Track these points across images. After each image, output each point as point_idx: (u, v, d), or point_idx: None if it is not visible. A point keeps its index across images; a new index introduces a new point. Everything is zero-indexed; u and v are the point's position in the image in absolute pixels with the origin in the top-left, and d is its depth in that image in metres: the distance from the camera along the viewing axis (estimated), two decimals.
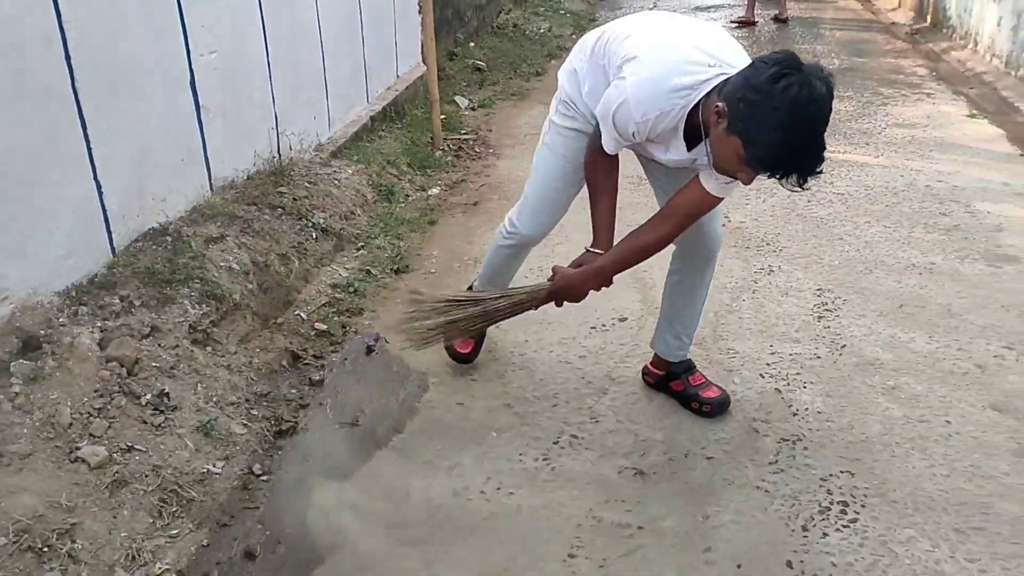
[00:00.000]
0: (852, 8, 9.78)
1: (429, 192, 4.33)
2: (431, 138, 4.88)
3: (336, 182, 3.92)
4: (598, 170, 2.21)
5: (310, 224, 3.51)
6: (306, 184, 3.72)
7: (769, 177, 1.83)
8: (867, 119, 5.53)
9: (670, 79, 1.93)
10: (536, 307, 2.36)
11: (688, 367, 2.59)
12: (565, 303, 2.32)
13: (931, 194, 4.21)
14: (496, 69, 6.67)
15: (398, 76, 5.36)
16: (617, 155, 2.19)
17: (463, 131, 5.26)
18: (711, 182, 2.07)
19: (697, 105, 1.94)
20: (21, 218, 2.32)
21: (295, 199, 3.55)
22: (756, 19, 8.52)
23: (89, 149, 2.56)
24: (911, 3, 8.83)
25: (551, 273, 2.31)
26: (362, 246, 3.64)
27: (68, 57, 2.45)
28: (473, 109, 5.77)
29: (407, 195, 4.23)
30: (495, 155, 4.95)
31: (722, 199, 2.15)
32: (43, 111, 2.38)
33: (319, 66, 4.19)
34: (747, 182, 1.90)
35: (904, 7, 9.07)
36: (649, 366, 2.68)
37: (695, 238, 2.37)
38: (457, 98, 5.83)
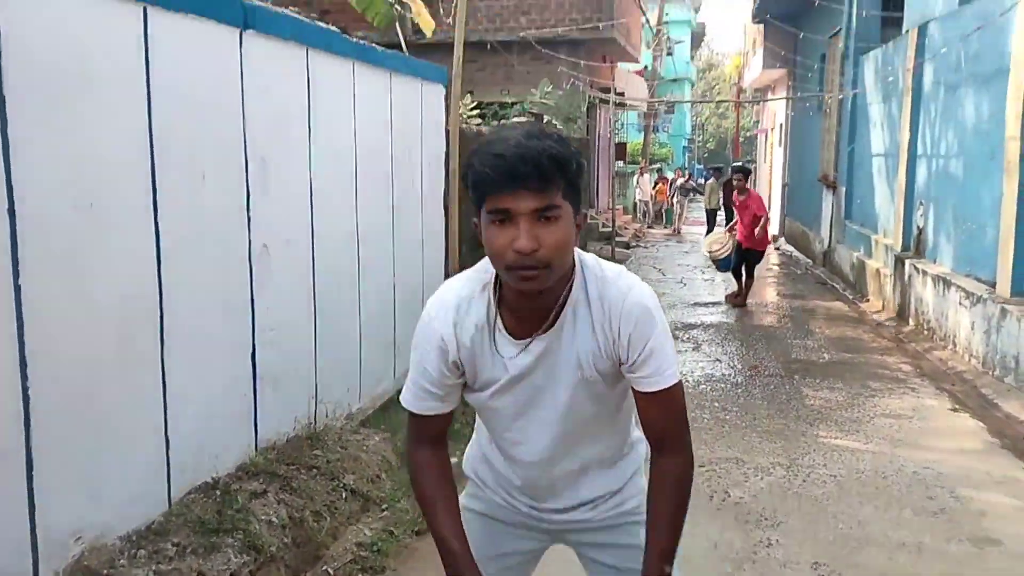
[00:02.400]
0: (839, 308, 10.58)
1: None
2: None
3: (364, 448, 4.26)
4: (425, 468, 1.74)
5: (341, 485, 3.80)
6: (338, 449, 4.05)
7: (480, 196, 1.50)
8: (856, 409, 5.93)
9: (463, 281, 1.71)
10: None
11: None
12: None
13: (918, 479, 4.50)
14: None
15: None
16: (444, 441, 1.78)
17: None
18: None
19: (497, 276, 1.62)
20: (105, 466, 2.65)
21: (328, 461, 3.88)
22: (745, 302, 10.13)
23: (165, 409, 2.95)
24: (894, 306, 9.59)
25: None
26: (386, 508, 3.90)
27: (162, 331, 2.92)
28: None
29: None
30: None
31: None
32: (133, 376, 2.81)
33: (356, 345, 4.69)
34: (524, 245, 1.46)
35: (887, 309, 9.84)
36: None
37: None
38: None
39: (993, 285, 6.92)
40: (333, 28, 4.20)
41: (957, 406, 6.04)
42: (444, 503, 1.70)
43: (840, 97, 12.93)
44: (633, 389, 1.66)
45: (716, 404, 5.96)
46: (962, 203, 7.90)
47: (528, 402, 1.69)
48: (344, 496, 3.78)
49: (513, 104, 13.46)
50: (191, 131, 3.04)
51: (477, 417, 1.88)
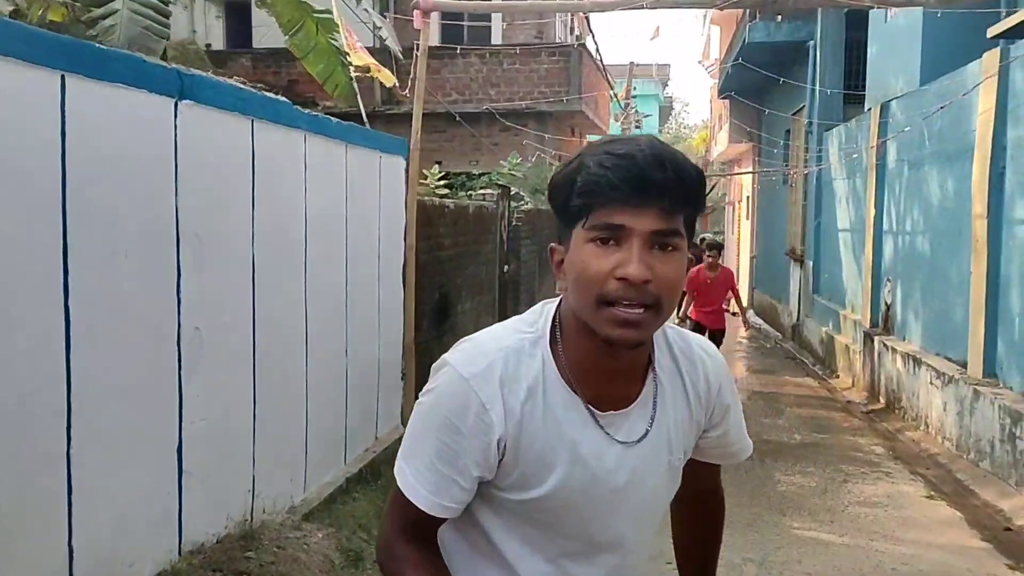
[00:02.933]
0: (809, 385, 10.42)
1: None
2: None
3: (305, 547, 3.92)
4: (420, 566, 1.24)
5: None
6: (274, 549, 3.72)
7: (582, 208, 1.15)
8: (830, 496, 5.69)
9: (502, 331, 1.29)
10: None
11: None
12: None
13: None
14: None
15: (376, 438, 5.57)
16: (436, 542, 1.30)
17: None
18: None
19: (555, 330, 1.25)
20: None
21: (261, 564, 3.54)
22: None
23: (70, 515, 2.64)
24: (864, 383, 9.45)
25: None
26: None
27: (69, 426, 2.62)
28: None
29: (375, 561, 4.20)
30: None
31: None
32: (31, 479, 2.50)
33: (302, 431, 4.39)
34: (636, 273, 1.12)
35: (858, 387, 9.69)
36: None
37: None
38: None
39: (964, 365, 6.79)
40: (281, 98, 4.02)
41: (933, 493, 5.83)
42: None
43: (805, 172, 13.02)
44: (696, 461, 1.38)
45: None
46: (930, 281, 7.84)
47: (602, 500, 1.24)
48: None
49: (481, 175, 13.40)
50: (113, 205, 2.80)
51: (455, 539, 1.32)
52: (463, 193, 11.34)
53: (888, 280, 9.11)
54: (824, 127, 12.18)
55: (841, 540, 4.82)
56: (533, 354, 1.22)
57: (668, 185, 1.12)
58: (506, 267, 10.55)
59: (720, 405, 1.34)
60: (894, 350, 8.32)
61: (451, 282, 7.72)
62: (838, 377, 10.52)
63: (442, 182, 10.70)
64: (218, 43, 15.61)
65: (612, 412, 1.23)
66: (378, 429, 5.61)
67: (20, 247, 2.42)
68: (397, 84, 6.06)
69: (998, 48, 6.33)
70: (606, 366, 1.22)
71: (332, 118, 4.66)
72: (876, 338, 8.97)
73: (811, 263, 12.73)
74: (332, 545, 4.10)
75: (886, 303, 9.13)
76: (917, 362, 7.64)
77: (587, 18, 17.36)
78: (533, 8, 10.40)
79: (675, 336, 1.32)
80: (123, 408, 2.89)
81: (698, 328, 8.85)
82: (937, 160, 7.71)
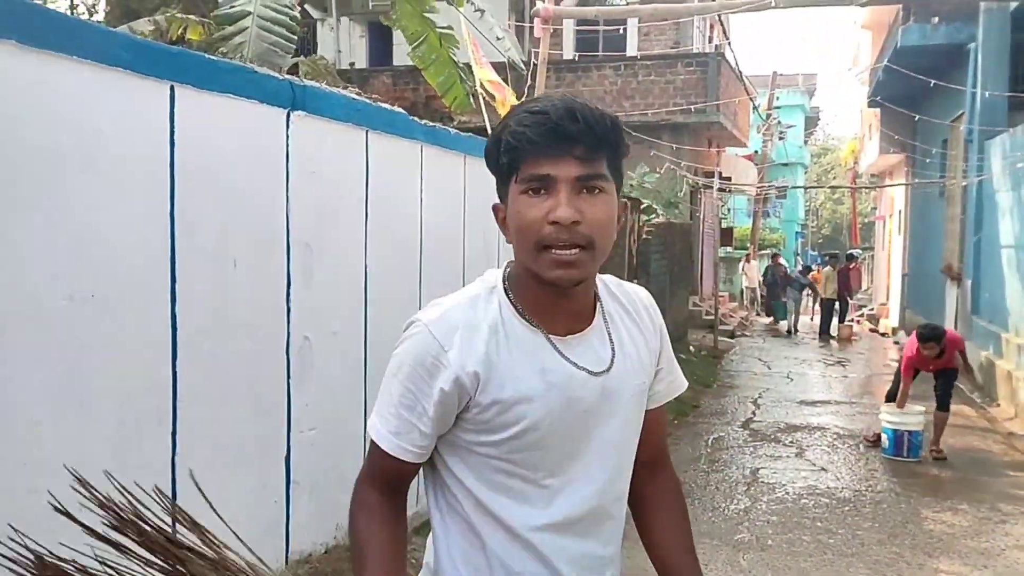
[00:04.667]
0: (965, 413, 9.62)
1: None
2: None
3: (413, 560, 3.87)
4: (376, 508, 1.30)
5: None
6: None
7: (508, 165, 1.24)
8: (985, 537, 5.16)
9: (458, 292, 1.35)
10: None
11: None
12: None
13: None
14: None
15: None
16: (405, 497, 1.35)
17: None
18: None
19: (506, 282, 1.32)
20: None
21: None
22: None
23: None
24: None
25: None
26: None
27: (175, 432, 2.66)
28: None
29: None
30: None
31: None
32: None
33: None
34: (565, 214, 1.20)
35: (1021, 417, 8.86)
36: None
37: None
38: None
39: None
40: (398, 109, 4.02)
41: None
42: (387, 547, 1.26)
43: (964, 184, 12.12)
44: (646, 415, 1.41)
45: (819, 524, 5.30)
46: None
47: (576, 430, 1.30)
48: None
49: None
50: (223, 215, 2.83)
51: (440, 510, 1.33)
52: None
53: None
54: (986, 135, 11.29)
55: None
56: (490, 299, 1.30)
57: (582, 134, 1.21)
58: (635, 281, 10.33)
59: (661, 331, 1.43)
60: None
61: None
62: (999, 406, 9.66)
63: None
64: (361, 61, 16.16)
65: (572, 336, 1.30)
66: None
67: (128, 254, 2.47)
68: (515, 100, 6.00)
69: None
70: (557, 308, 1.29)
71: (451, 129, 4.63)
72: None
73: (970, 282, 11.80)
74: None
75: None
76: None
77: (723, 25, 16.88)
78: (656, 14, 10.15)
79: (607, 278, 1.40)
80: (230, 416, 2.92)
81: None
82: None
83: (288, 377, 3.23)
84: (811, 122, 44.75)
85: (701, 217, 17.68)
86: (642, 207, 11.42)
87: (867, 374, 12.26)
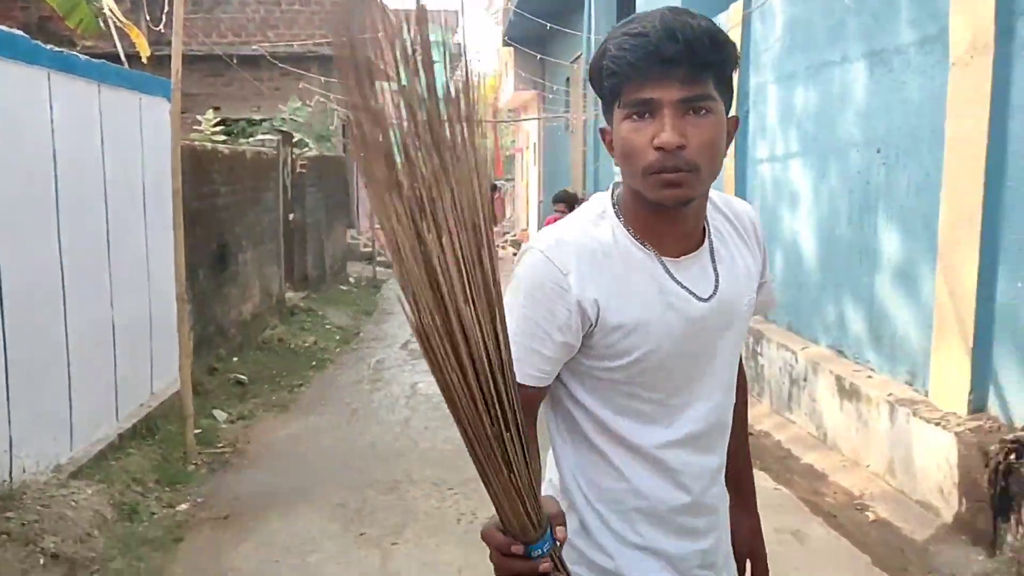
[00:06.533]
0: None
1: (177, 508, 4.24)
2: (184, 453, 4.85)
3: (73, 504, 3.78)
4: None
5: (39, 550, 3.33)
6: (38, 508, 3.56)
7: (609, 88, 1.23)
8: None
9: (568, 218, 1.37)
10: None
11: None
12: None
13: None
14: (259, 382, 6.83)
15: (152, 393, 5.38)
16: (533, 423, 1.28)
17: (220, 444, 5.27)
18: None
19: (615, 206, 1.33)
20: None
21: (23, 524, 3.39)
22: None
23: None
24: None
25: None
26: (96, 569, 3.47)
27: None
28: (232, 422, 5.82)
29: (152, 513, 4.12)
30: (252, 467, 4.97)
31: None
32: None
33: (65, 387, 4.18)
34: (669, 140, 1.18)
35: None
36: None
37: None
38: (215, 412, 5.87)
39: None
40: (16, 31, 3.72)
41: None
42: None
43: (584, 119, 13.60)
44: None
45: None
46: None
47: (702, 339, 1.31)
48: (43, 562, 3.32)
49: (262, 121, 12.94)
50: None
51: (563, 444, 1.35)
52: (244, 140, 10.93)
53: None
54: None
55: None
56: (600, 223, 1.30)
57: (683, 55, 1.17)
58: (291, 215, 10.34)
59: (764, 243, 1.45)
60: None
61: (230, 231, 7.49)
62: None
63: (219, 128, 10.26)
64: None
65: (685, 257, 1.30)
66: (153, 384, 5.41)
67: None
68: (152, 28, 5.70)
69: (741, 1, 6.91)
70: (668, 229, 1.29)
71: (81, 56, 4.36)
72: None
73: None
74: (104, 500, 3.97)
75: None
76: None
77: None
78: None
79: (713, 193, 1.38)
80: None
81: None
82: None
83: None
84: (454, 58, 46.47)
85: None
86: (294, 141, 11.36)
87: None
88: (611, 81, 1.21)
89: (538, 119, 19.21)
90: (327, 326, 9.62)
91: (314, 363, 7.79)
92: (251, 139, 10.49)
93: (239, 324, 7.68)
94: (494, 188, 21.68)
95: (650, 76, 1.18)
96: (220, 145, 8.08)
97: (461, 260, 0.92)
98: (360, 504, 4.38)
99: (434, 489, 4.56)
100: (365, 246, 15.93)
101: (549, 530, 1.02)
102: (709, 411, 1.34)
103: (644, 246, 1.29)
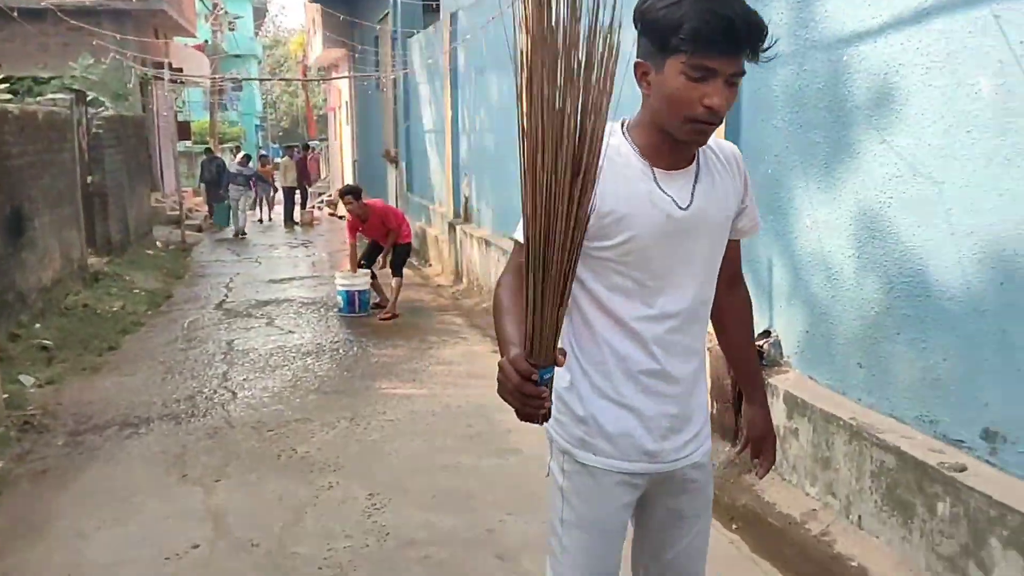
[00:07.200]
0: (407, 275, 11.45)
1: None
2: None
3: None
4: (506, 291, 1.66)
5: None
6: None
7: (702, 54, 1.49)
8: (416, 360, 6.57)
9: None
10: None
11: None
12: None
13: (460, 412, 5.18)
14: (66, 347, 6.71)
15: None
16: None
17: (29, 408, 5.24)
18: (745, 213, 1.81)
19: (622, 127, 1.69)
20: None
21: None
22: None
23: None
24: (451, 268, 10.63)
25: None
26: None
27: None
28: (40, 387, 5.76)
29: None
30: (65, 427, 5.00)
31: None
32: None
33: None
34: (719, 104, 1.52)
35: (446, 272, 10.87)
36: None
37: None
38: (21, 377, 5.78)
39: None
40: None
41: (496, 349, 6.96)
42: (515, 309, 1.56)
43: (393, 77, 13.79)
44: (728, 241, 1.77)
45: (287, 372, 6.19)
46: (496, 174, 9.01)
47: (679, 237, 1.65)
48: None
49: (51, 79, 12.21)
50: None
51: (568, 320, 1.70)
52: (31, 99, 10.33)
53: (466, 175, 10.23)
54: (407, 35, 12.95)
55: (420, 392, 5.68)
56: (611, 139, 1.54)
57: (751, 42, 1.50)
58: (90, 178, 9.96)
59: (745, 177, 1.78)
60: (471, 236, 9.48)
61: (24, 194, 7.22)
62: (431, 266, 11.64)
63: (2, 86, 9.67)
64: None
65: (674, 171, 1.64)
66: None
67: None
68: None
69: None
70: (668, 151, 1.63)
71: None
72: (458, 227, 10.09)
73: (404, 163, 13.65)
74: None
75: (465, 196, 10.27)
76: (488, 244, 8.83)
77: None
78: None
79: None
80: None
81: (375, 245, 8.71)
82: (495, 67, 8.79)
83: None
84: (260, 13, 44.77)
85: (155, 110, 17.14)
86: (88, 100, 10.86)
87: (328, 251, 13.59)
88: (688, 42, 1.48)
89: (348, 77, 19.13)
90: (135, 291, 9.41)
91: (123, 327, 7.68)
92: (40, 98, 9.94)
93: (40, 290, 7.44)
94: (307, 148, 21.41)
95: (722, 53, 1.49)
96: (9, 105, 7.69)
97: (577, 142, 1.34)
98: (180, 450, 4.57)
99: (254, 432, 4.82)
100: (172, 209, 15.41)
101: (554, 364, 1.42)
102: (681, 297, 1.68)
103: (643, 159, 1.64)
